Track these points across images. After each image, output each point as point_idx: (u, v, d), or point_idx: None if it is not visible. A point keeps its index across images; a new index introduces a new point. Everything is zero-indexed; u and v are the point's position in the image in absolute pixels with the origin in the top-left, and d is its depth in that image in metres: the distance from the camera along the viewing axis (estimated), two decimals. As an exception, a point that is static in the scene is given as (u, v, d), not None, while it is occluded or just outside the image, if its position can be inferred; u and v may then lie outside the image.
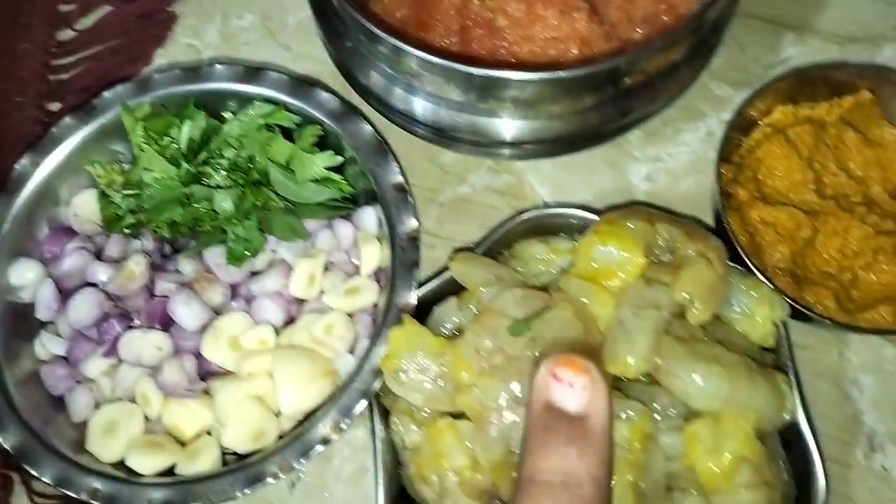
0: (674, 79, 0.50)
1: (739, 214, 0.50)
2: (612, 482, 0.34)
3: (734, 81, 0.58)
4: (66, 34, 0.62)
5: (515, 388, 0.37)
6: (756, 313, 0.43)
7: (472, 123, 0.48)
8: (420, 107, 0.50)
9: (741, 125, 0.52)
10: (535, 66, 0.49)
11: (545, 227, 0.49)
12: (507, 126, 0.48)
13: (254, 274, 0.48)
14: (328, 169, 0.49)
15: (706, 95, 0.58)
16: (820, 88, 0.53)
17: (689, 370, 0.38)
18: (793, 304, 0.45)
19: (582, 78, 0.44)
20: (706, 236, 0.43)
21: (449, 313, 0.43)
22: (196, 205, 0.47)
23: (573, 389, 0.30)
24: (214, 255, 0.47)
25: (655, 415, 0.39)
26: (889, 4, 0.61)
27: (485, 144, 0.50)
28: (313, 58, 0.58)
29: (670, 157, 0.57)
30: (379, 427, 0.43)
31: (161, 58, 0.61)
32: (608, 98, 0.48)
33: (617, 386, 0.40)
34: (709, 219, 0.54)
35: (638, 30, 0.53)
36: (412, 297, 0.44)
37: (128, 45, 0.61)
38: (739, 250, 0.47)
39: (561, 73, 0.44)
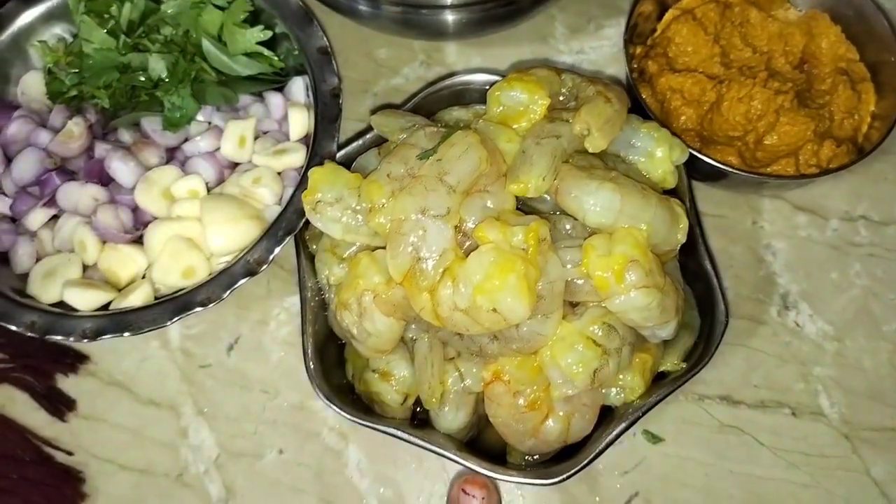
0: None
1: (650, 86, 0.53)
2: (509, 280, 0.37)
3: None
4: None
5: (421, 201, 0.40)
6: (656, 152, 0.45)
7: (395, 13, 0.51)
8: None
9: (653, 11, 0.56)
10: None
11: (466, 96, 0.52)
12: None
13: (189, 140, 0.50)
14: (259, 44, 0.51)
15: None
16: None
17: (583, 187, 0.41)
18: (699, 156, 0.48)
19: None
20: (608, 82, 0.46)
21: (369, 161, 0.46)
22: (133, 73, 0.50)
23: (476, 500, 0.44)
24: (152, 123, 0.50)
25: (558, 236, 0.42)
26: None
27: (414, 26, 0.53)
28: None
29: (593, 49, 0.60)
30: (305, 267, 0.45)
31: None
32: None
33: (525, 210, 0.43)
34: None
35: None
36: (333, 146, 0.47)
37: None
38: (649, 112, 0.50)
39: None
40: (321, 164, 0.46)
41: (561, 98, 0.46)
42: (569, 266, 0.40)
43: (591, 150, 0.43)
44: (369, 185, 0.42)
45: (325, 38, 0.50)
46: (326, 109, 0.48)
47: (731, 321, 0.46)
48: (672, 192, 0.46)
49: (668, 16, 0.56)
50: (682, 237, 0.43)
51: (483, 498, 0.43)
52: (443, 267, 0.39)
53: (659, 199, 0.42)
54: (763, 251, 0.53)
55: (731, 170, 0.48)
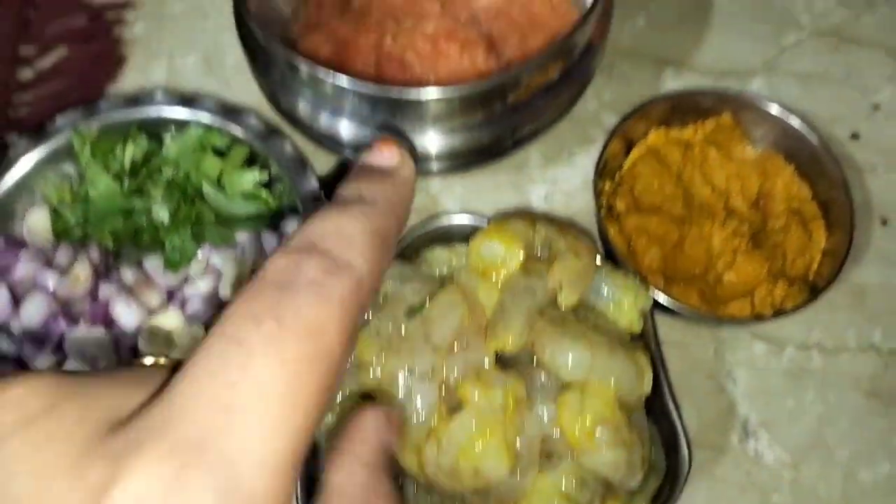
0: (554, 97, 0.57)
1: (618, 223, 0.57)
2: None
3: (621, 111, 0.66)
4: (27, 74, 0.68)
5: (409, 361, 0.43)
6: (623, 301, 0.49)
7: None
8: (344, 129, 0.56)
9: (621, 148, 0.60)
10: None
11: (449, 236, 0.55)
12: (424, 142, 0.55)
13: (189, 281, 0.54)
14: (256, 185, 0.55)
15: (597, 123, 0.66)
16: (689, 113, 0.61)
17: (557, 344, 0.44)
18: (661, 297, 0.52)
19: (469, 96, 0.51)
20: (577, 234, 0.50)
21: (358, 307, 0.49)
22: (136, 217, 0.53)
23: (387, 154, 0.34)
24: (153, 263, 0.53)
25: (535, 390, 0.45)
26: (757, 43, 0.70)
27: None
28: (249, 91, 0.65)
29: (565, 179, 0.64)
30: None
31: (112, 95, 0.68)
32: (497, 115, 0.55)
33: (502, 365, 0.46)
34: (595, 229, 0.61)
35: None
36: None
37: (81, 83, 0.67)
38: (615, 252, 0.54)
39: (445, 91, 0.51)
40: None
41: (536, 249, 0.50)
42: (545, 421, 0.44)
43: (563, 306, 0.47)
44: (361, 343, 0.45)
45: (317, 183, 0.54)
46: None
47: (695, 451, 0.49)
48: (639, 335, 0.51)
49: (633, 153, 0.60)
50: (647, 388, 0.47)
51: (396, 154, 0.34)
52: (429, 426, 0.43)
53: (626, 353, 0.46)
54: (724, 379, 0.57)
55: (689, 312, 0.52)
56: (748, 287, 0.54)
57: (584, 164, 0.65)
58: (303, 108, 0.57)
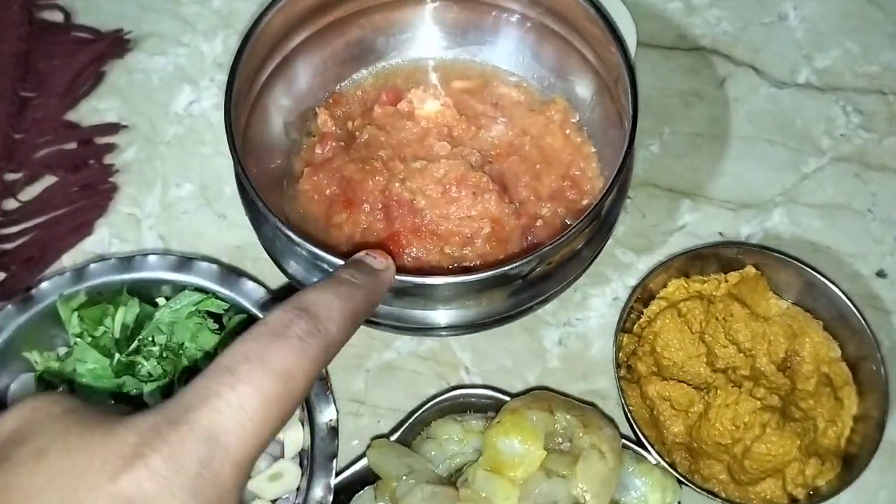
0: (578, 260, 0.54)
1: (640, 387, 0.54)
2: None
3: (636, 248, 0.63)
4: (11, 204, 0.65)
5: (421, 592, 0.40)
6: (650, 499, 0.46)
7: (390, 313, 0.51)
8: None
9: (641, 296, 0.57)
10: (442, 269, 0.54)
11: (461, 406, 0.52)
12: (432, 315, 0.52)
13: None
14: (255, 354, 0.52)
15: (611, 262, 0.63)
16: (711, 262, 0.58)
17: (582, 567, 0.41)
18: (687, 484, 0.49)
19: (480, 280, 0.47)
20: (600, 425, 0.47)
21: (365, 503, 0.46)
22: (127, 395, 0.50)
23: (379, 259, 0.44)
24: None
25: None
26: (776, 171, 0.67)
27: (407, 329, 0.54)
28: (248, 226, 0.62)
29: (580, 321, 0.61)
30: None
31: (102, 227, 0.64)
32: (518, 288, 0.52)
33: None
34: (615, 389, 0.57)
35: (545, 205, 0.58)
36: (329, 491, 0.47)
37: (70, 215, 0.64)
38: (634, 426, 0.51)
39: (452, 279, 0.48)
40: (318, 515, 0.46)
41: (557, 440, 0.47)
42: None
43: (588, 516, 0.43)
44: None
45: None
46: (323, 445, 0.48)
47: None
48: (665, 524, 0.48)
49: (653, 306, 0.57)
50: None
51: (385, 259, 0.44)
52: None
53: (654, 569, 0.43)
54: (753, 550, 0.54)
55: (721, 500, 0.49)
56: (779, 463, 0.51)
57: (597, 306, 0.62)
58: (294, 268, 0.54)
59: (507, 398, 0.51)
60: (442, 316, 0.52)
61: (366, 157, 0.59)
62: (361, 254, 0.44)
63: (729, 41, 0.73)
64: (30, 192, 0.66)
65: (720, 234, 0.64)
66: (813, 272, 0.55)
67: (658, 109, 0.70)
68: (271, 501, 0.49)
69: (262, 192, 0.50)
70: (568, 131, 0.61)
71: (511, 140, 0.61)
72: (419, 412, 0.51)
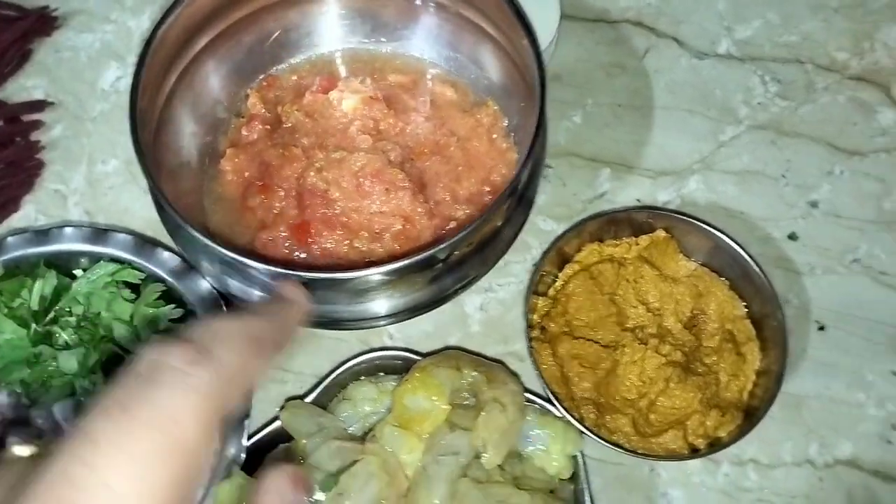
0: (499, 242, 0.55)
1: (551, 347, 0.56)
2: None
3: (556, 216, 0.65)
4: (-64, 182, 0.65)
5: (321, 541, 0.42)
6: (551, 449, 0.48)
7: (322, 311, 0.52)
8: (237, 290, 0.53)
9: (557, 260, 0.59)
10: (346, 263, 0.55)
11: (377, 368, 0.54)
12: (365, 308, 0.53)
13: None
14: (172, 321, 0.53)
15: (532, 230, 0.64)
16: (624, 228, 0.59)
17: (478, 512, 0.43)
18: (592, 436, 0.50)
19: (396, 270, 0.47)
20: (505, 381, 0.49)
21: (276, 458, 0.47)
22: (44, 364, 0.51)
23: (288, 288, 0.38)
24: (63, 409, 0.50)
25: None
26: (694, 140, 0.69)
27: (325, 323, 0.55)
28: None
29: (501, 287, 0.63)
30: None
31: (29, 203, 0.65)
32: (440, 273, 0.53)
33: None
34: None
35: (461, 208, 0.58)
36: (241, 450, 0.48)
37: (-5, 193, 0.64)
38: (543, 382, 0.52)
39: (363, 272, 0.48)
40: (229, 471, 0.47)
41: (462, 397, 0.48)
42: None
43: (486, 467, 0.45)
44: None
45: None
46: (238, 409, 0.49)
47: None
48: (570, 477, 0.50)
49: (567, 269, 0.59)
50: (572, 551, 0.45)
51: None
52: None
53: (546, 516, 0.45)
54: (659, 499, 0.56)
55: (623, 450, 0.51)
56: (681, 416, 0.53)
57: (517, 272, 0.63)
58: (207, 268, 0.54)
59: (419, 359, 0.52)
60: (374, 308, 0.53)
61: (287, 143, 0.60)
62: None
63: (653, 14, 0.75)
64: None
65: (638, 200, 0.66)
66: (719, 234, 0.57)
67: (582, 81, 0.71)
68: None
69: (175, 175, 0.51)
70: (495, 136, 0.61)
71: (437, 139, 0.61)
72: (334, 374, 0.52)
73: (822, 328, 0.61)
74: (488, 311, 0.62)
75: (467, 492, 0.44)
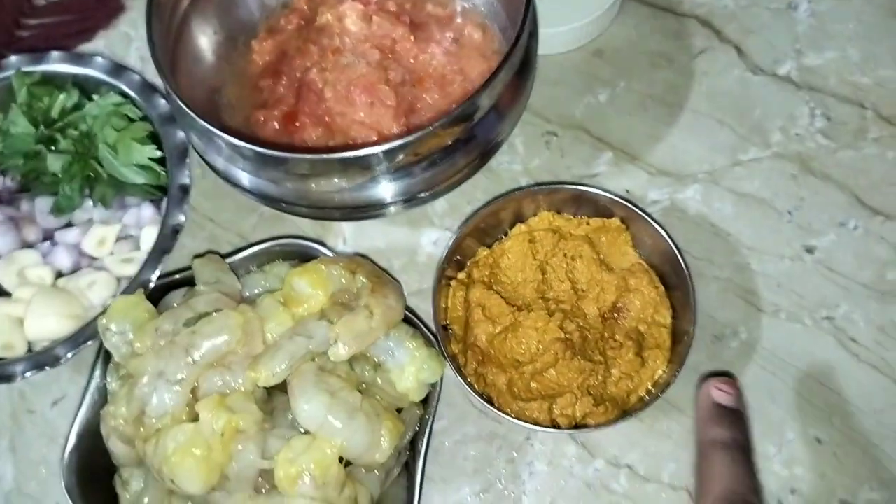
0: (450, 166, 0.57)
1: (466, 289, 0.57)
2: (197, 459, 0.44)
3: (541, 180, 0.65)
4: (40, 1, 0.76)
5: (161, 365, 0.47)
6: (406, 369, 0.50)
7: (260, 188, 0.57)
8: (243, 177, 0.57)
9: (512, 218, 0.60)
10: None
11: (300, 255, 0.58)
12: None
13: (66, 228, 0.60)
14: (152, 160, 0.60)
15: (515, 184, 0.65)
16: (588, 206, 0.59)
17: (301, 391, 0.47)
18: (464, 381, 0.52)
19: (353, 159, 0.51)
20: (387, 294, 0.51)
21: (172, 300, 0.53)
22: (40, 161, 0.59)
23: (730, 396, 0.51)
24: (42, 204, 0.59)
25: (282, 426, 0.48)
26: (711, 150, 0.66)
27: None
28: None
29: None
30: (98, 371, 0.54)
31: (101, 38, 0.74)
32: (382, 175, 0.55)
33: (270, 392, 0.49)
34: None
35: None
36: (153, 278, 0.54)
37: (79, 21, 0.74)
38: (434, 314, 0.54)
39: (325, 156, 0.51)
40: (135, 291, 0.54)
41: (347, 297, 0.52)
42: (262, 457, 0.46)
43: (332, 359, 0.48)
44: (141, 333, 0.49)
45: (189, 178, 0.58)
46: (162, 242, 0.55)
47: None
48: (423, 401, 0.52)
49: (515, 229, 0.60)
50: (380, 458, 0.48)
51: (735, 395, 0.51)
52: (160, 426, 0.46)
53: (368, 420, 0.47)
54: (522, 468, 0.57)
55: (480, 403, 0.52)
56: (553, 392, 0.53)
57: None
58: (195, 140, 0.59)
59: (331, 254, 0.56)
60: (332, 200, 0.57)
61: (308, 39, 0.65)
62: (708, 395, 0.52)
63: (725, 16, 0.72)
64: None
65: (627, 190, 0.65)
66: (668, 239, 0.55)
67: (623, 63, 0.70)
68: (117, 277, 0.57)
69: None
70: None
71: (445, 74, 0.64)
72: (256, 247, 0.57)
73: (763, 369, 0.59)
74: (439, 245, 0.64)
75: (306, 371, 0.48)
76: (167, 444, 0.45)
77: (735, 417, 0.50)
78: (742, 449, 0.48)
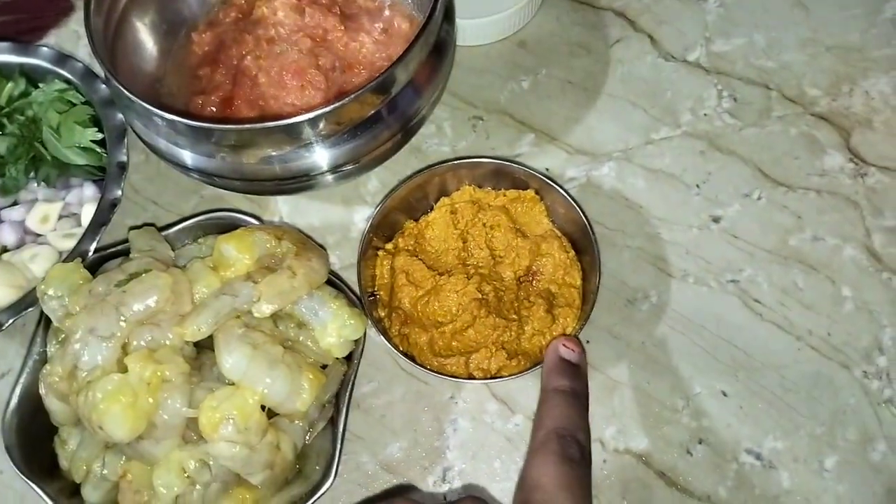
0: (371, 138, 0.61)
1: (392, 258, 0.61)
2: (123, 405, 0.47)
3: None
4: (-5, -1, 0.79)
5: (92, 322, 0.50)
6: (329, 327, 0.54)
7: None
8: (184, 155, 0.60)
9: (437, 193, 0.64)
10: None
11: (234, 228, 0.61)
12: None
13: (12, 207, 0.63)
14: (93, 142, 0.63)
15: (432, 160, 0.69)
16: (504, 181, 0.63)
17: (224, 345, 0.50)
18: (390, 343, 0.56)
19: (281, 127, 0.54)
20: (311, 258, 0.55)
21: (110, 268, 0.57)
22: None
23: (573, 353, 0.53)
24: (-9, 183, 0.62)
25: (207, 378, 0.51)
26: (625, 130, 0.71)
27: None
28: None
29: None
30: (39, 339, 0.56)
31: (52, 37, 0.78)
32: (309, 144, 0.59)
33: (198, 347, 0.52)
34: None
35: None
36: (90, 249, 0.58)
37: (30, 20, 0.78)
38: (358, 282, 0.58)
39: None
40: (80, 259, 0.57)
41: (273, 261, 0.55)
42: (188, 407, 0.49)
43: (255, 315, 0.52)
44: (75, 295, 0.52)
45: (126, 157, 0.61)
46: (100, 216, 0.59)
47: (393, 478, 0.56)
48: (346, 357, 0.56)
49: (440, 203, 0.64)
50: (301, 406, 0.51)
51: (578, 353, 0.54)
52: (90, 379, 0.49)
53: (289, 371, 0.51)
54: (447, 424, 0.60)
55: (422, 367, 0.56)
56: (471, 349, 0.57)
57: (411, 198, 0.69)
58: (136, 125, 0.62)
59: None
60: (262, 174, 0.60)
61: (244, 30, 0.69)
62: (554, 350, 0.54)
63: (639, 9, 0.77)
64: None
65: (547, 169, 0.69)
66: (579, 211, 0.59)
67: (544, 52, 0.75)
68: (59, 251, 0.61)
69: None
70: None
71: (374, 61, 0.68)
72: (192, 220, 0.60)
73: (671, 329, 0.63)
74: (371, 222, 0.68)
75: (231, 327, 0.51)
76: (96, 393, 0.48)
77: (576, 371, 0.53)
78: (578, 396, 0.51)
